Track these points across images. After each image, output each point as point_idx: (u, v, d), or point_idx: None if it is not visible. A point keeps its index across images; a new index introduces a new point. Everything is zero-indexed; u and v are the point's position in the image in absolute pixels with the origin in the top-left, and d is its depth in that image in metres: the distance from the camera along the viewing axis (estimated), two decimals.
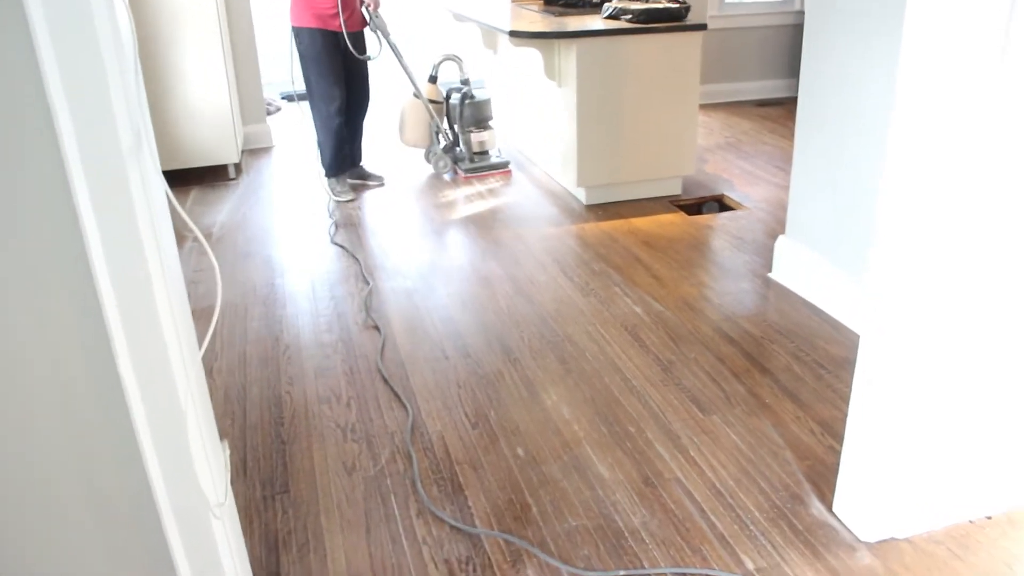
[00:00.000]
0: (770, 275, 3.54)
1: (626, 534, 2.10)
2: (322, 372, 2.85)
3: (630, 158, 4.35)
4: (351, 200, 4.62)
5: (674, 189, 4.51)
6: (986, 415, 2.03)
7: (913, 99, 1.70)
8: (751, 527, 2.13)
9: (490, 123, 5.04)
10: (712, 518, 2.16)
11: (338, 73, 4.45)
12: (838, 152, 3.04)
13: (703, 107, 6.62)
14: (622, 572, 1.98)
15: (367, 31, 4.60)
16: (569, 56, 4.15)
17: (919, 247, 1.79)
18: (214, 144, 4.83)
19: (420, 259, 3.80)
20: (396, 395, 2.70)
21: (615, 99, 4.20)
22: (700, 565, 2.00)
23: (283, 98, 6.87)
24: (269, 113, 6.29)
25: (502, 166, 5.05)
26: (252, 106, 5.52)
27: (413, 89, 4.87)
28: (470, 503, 2.21)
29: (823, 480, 2.28)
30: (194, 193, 4.78)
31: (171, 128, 4.72)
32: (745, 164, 5.08)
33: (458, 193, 4.72)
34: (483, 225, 4.20)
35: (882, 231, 1.86)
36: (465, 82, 4.99)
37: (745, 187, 4.65)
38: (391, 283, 3.54)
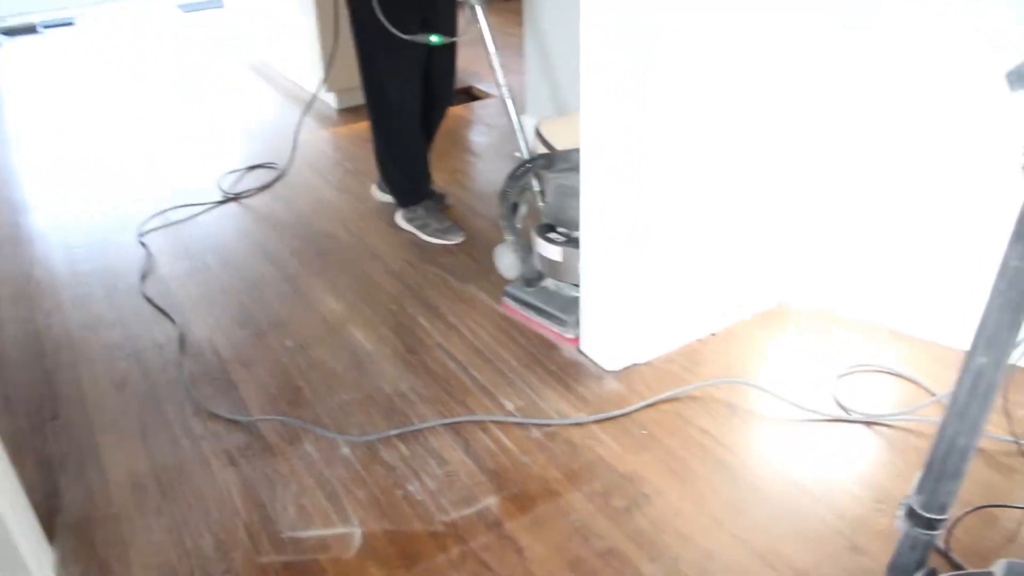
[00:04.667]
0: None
1: (395, 399, 2.26)
2: (82, 301, 2.81)
3: None
4: (461, 240, 3.08)
5: None
6: (701, 246, 2.32)
7: None
8: (509, 375, 2.34)
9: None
10: (473, 372, 2.35)
11: (414, 58, 2.85)
12: (563, 26, 3.24)
13: None
14: (394, 431, 2.14)
15: None
16: None
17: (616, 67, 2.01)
18: None
19: (169, 179, 3.73)
20: (161, 311, 2.71)
21: None
22: (465, 413, 2.20)
23: (1, 32, 6.36)
24: None
25: (561, 323, 2.48)
26: None
27: (507, 104, 2.80)
28: (243, 396, 2.30)
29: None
30: None
31: None
32: None
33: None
34: (235, 140, 4.16)
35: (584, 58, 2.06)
36: None
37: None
38: (138, 205, 3.46)
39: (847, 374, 2.30)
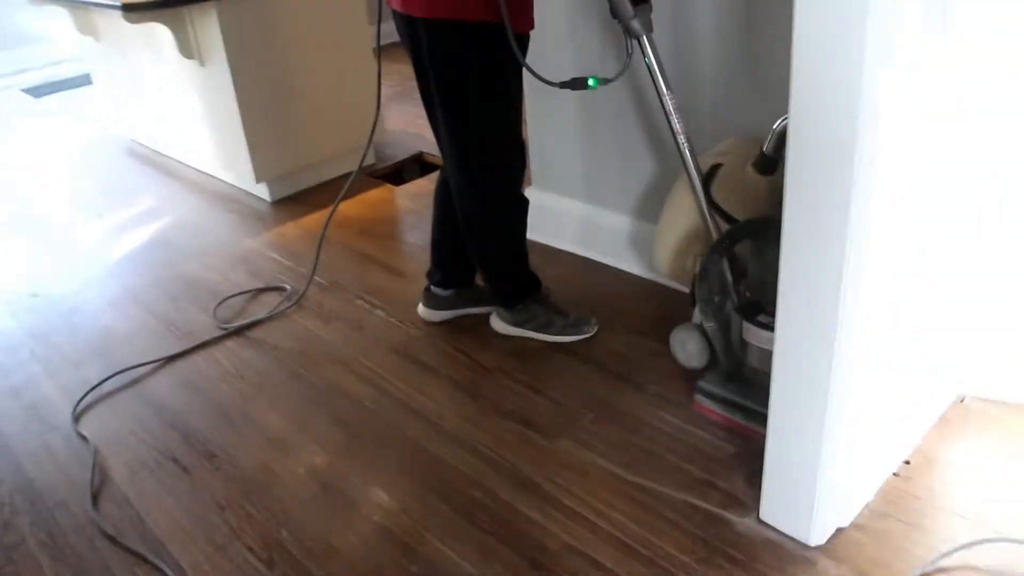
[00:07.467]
0: None
1: None
2: None
3: (312, 134, 3.63)
4: (597, 329, 2.46)
5: (368, 159, 3.85)
6: (892, 366, 1.73)
7: None
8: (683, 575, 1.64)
9: None
10: None
11: (519, 111, 2.30)
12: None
13: None
14: None
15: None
16: (209, 26, 3.29)
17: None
18: None
19: (91, 324, 2.82)
20: (134, 552, 1.85)
21: (278, 67, 3.44)
22: None
23: None
24: None
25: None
26: None
27: (685, 160, 2.11)
28: None
29: (727, 482, 1.85)
30: None
31: None
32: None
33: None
34: (151, 263, 3.26)
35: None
36: None
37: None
38: (64, 377, 2.55)
39: None
